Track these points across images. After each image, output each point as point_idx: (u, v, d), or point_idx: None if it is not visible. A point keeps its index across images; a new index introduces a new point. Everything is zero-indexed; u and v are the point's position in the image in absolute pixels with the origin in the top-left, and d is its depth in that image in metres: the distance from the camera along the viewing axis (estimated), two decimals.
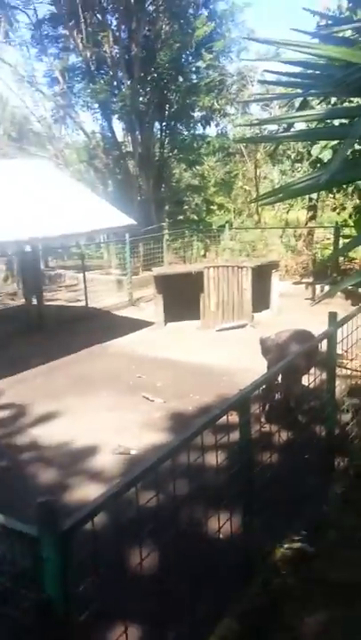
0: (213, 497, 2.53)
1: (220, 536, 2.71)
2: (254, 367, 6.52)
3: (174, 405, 5.93)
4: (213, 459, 2.61)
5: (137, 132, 14.93)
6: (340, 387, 4.13)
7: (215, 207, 18.97)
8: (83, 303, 10.75)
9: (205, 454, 2.50)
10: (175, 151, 16.18)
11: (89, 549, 1.79)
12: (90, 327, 9.58)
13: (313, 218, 14.41)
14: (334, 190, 11.07)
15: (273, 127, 12.07)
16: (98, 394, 6.38)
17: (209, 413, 2.54)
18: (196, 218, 18.14)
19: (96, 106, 15.40)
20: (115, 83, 14.64)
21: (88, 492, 4.09)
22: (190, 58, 15.12)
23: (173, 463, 2.20)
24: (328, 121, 2.76)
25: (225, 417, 2.58)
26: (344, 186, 9.08)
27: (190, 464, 2.34)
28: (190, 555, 2.40)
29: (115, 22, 14.52)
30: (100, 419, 5.65)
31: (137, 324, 9.64)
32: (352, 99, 6.72)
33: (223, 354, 7.65)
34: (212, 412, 2.55)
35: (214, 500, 2.54)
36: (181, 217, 17.93)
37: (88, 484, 4.30)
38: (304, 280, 12.12)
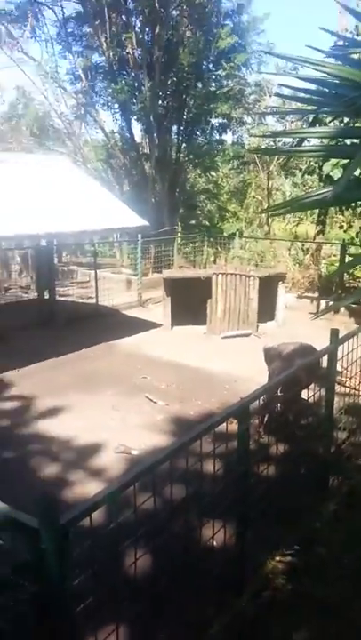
0: (208, 504, 2.55)
1: (214, 543, 2.74)
2: (256, 377, 6.49)
3: (177, 409, 5.96)
4: (211, 465, 2.64)
5: (155, 135, 15.01)
6: (337, 404, 4.14)
7: (227, 214, 19.03)
8: (93, 300, 10.81)
9: (203, 460, 2.54)
10: (191, 156, 16.25)
11: (86, 545, 1.83)
12: (99, 325, 9.63)
13: (321, 233, 14.43)
14: (343, 208, 11.09)
15: (287, 140, 12.12)
16: (103, 392, 6.43)
17: (209, 419, 2.57)
18: (207, 223, 18.22)
19: (116, 106, 15.50)
20: (135, 84, 14.73)
21: (88, 488, 4.14)
22: (211, 66, 15.20)
23: (171, 466, 2.23)
24: (340, 139, 2.80)
25: (224, 424, 2.61)
26: (353, 204, 9.11)
27: (188, 469, 2.37)
28: (183, 559, 2.43)
29: (139, 24, 14.61)
30: (104, 417, 5.69)
31: (145, 325, 9.68)
32: None
33: (227, 361, 7.67)
34: (212, 419, 2.58)
35: (209, 507, 2.57)
36: (193, 222, 18.00)
37: (89, 480, 4.34)
38: (309, 294, 12.15)
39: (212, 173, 18.08)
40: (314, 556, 3.18)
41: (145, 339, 8.90)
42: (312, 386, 4.66)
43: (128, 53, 14.52)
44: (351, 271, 11.45)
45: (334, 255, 13.73)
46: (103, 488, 1.96)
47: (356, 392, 5.47)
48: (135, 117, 15.24)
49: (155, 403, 6.11)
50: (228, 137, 16.78)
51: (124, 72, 15.09)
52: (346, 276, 11.87)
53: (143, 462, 2.16)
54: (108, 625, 2.17)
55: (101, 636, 2.11)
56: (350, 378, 5.43)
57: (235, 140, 17.05)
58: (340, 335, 3.85)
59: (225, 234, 16.24)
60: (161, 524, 2.22)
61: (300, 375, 4.44)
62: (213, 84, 15.28)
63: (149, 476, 2.11)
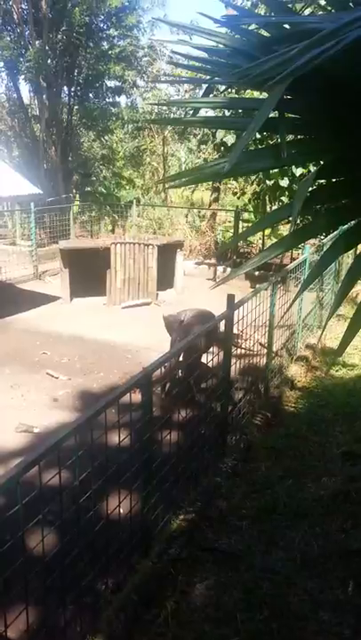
0: (115, 474, 2.60)
1: (121, 511, 2.80)
2: (158, 345, 6.64)
3: (79, 382, 5.91)
4: (117, 437, 2.67)
5: (44, 96, 14.28)
6: (234, 366, 4.35)
7: (124, 182, 18.74)
8: None
9: (109, 432, 2.56)
10: (84, 120, 15.71)
11: None
12: None
13: (216, 200, 14.79)
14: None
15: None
16: (0, 371, 6.19)
17: (113, 391, 2.59)
18: (104, 191, 17.82)
19: (1, 64, 14.48)
20: (22, 42, 13.82)
21: None
22: (102, 25, 14.63)
23: (77, 441, 2.24)
24: (233, 110, 2.85)
25: (128, 395, 2.64)
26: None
27: (93, 442, 2.38)
28: (91, 531, 2.47)
29: None
30: (3, 396, 5.49)
31: (42, 299, 9.38)
32: (254, 91, 6.94)
33: (128, 331, 7.71)
34: (115, 390, 2.60)
35: (116, 477, 2.61)
36: (90, 189, 17.52)
37: None
38: (207, 261, 12.43)
39: (107, 137, 17.63)
40: (215, 509, 3.36)
41: (43, 313, 8.64)
42: (211, 349, 4.85)
43: (12, 7, 13.52)
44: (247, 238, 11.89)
45: (229, 221, 14.14)
46: (6, 470, 1.92)
47: (251, 352, 5.77)
48: (23, 77, 14.33)
49: (56, 378, 6.00)
50: (123, 100, 16.42)
51: (9, 27, 14.07)
52: (240, 242, 12.31)
53: (47, 440, 2.13)
54: (18, 605, 2.17)
55: (11, 616, 2.10)
56: (245, 340, 5.71)
57: (129, 104, 16.71)
58: (236, 300, 4.02)
59: (122, 202, 16.03)
60: (68, 499, 2.22)
61: (200, 341, 4.58)
62: (105, 44, 14.77)
63: (54, 453, 2.09)
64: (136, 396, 2.84)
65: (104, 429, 2.49)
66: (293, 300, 2.10)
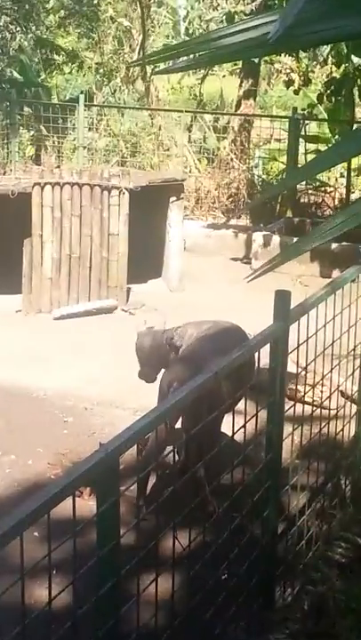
0: None
1: None
2: (130, 396, 6.55)
3: None
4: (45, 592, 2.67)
5: None
6: (290, 440, 4.36)
7: (60, 58, 18.76)
8: None
9: (28, 585, 2.56)
10: None
11: None
12: None
13: (251, 97, 14.78)
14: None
15: None
16: None
17: (34, 497, 2.59)
18: (19, 77, 17.83)
19: None
20: None
21: None
22: None
23: None
24: None
25: (70, 500, 2.65)
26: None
27: None
28: None
29: None
30: None
31: None
32: None
33: (68, 367, 7.76)
34: (40, 494, 2.60)
35: None
36: None
37: None
38: (232, 222, 12.46)
39: None
40: None
41: None
42: (241, 405, 4.83)
43: None
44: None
45: (279, 141, 14.14)
46: None
47: (324, 409, 5.75)
48: None
49: None
50: None
51: None
52: (302, 185, 12.39)
53: None
54: None
55: None
56: (313, 386, 5.70)
57: None
58: (295, 303, 4.02)
59: (57, 100, 16.18)
60: None
61: (219, 388, 4.57)
62: None
63: None
64: (85, 504, 2.85)
65: (17, 582, 2.50)
66: None
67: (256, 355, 4.08)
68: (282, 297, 3.97)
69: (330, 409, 5.74)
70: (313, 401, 6.08)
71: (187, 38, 17.13)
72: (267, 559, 4.16)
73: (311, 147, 12.89)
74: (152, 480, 5.20)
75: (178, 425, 5.18)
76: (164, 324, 5.91)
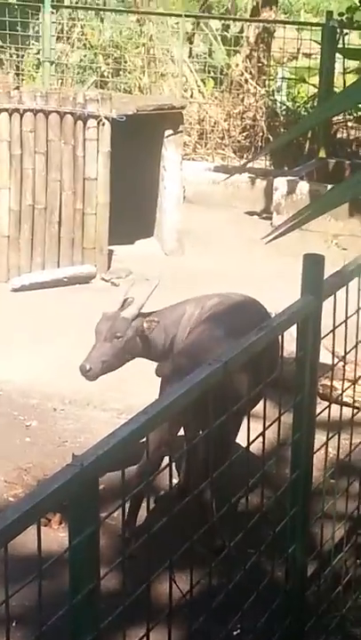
0: None
1: None
2: (110, 394, 6.64)
3: None
4: None
5: None
6: (323, 453, 4.38)
7: None
8: None
9: None
10: None
11: None
12: None
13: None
14: None
15: None
16: None
17: None
18: None
19: None
20: None
21: None
22: None
23: None
24: None
25: (34, 529, 2.64)
26: None
27: None
28: None
29: None
30: None
31: None
32: None
33: (32, 355, 7.83)
34: None
35: None
36: None
37: None
38: (245, 161, 12.42)
39: None
40: None
41: None
42: (260, 405, 4.85)
43: None
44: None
45: (307, 56, 14.13)
46: None
47: None
48: None
49: None
50: None
51: None
52: (338, 115, 12.39)
53: None
54: None
55: None
56: (355, 382, 5.71)
57: None
58: (329, 270, 4.03)
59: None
60: None
61: (236, 381, 4.59)
62: None
63: None
64: (53, 535, 2.85)
65: None
66: None
67: (280, 340, 4.08)
68: (313, 263, 3.96)
69: None
70: (353, 401, 6.12)
71: None
72: (292, 609, 4.16)
73: (352, 64, 12.90)
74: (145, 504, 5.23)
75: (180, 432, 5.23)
76: (140, 305, 5.91)
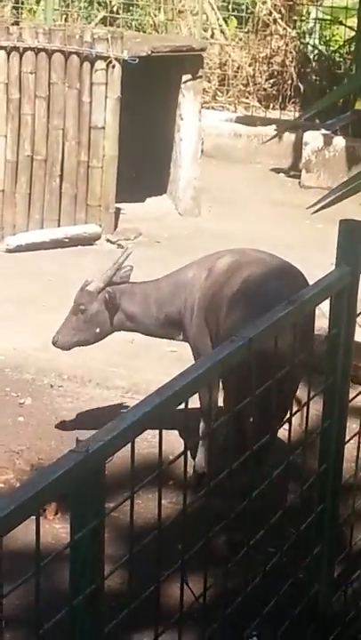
0: None
1: None
2: (113, 370, 6.67)
3: None
4: None
5: None
6: (356, 442, 4.40)
7: None
8: None
9: None
10: None
11: None
12: None
13: None
14: None
15: None
16: None
17: None
18: None
19: None
20: None
21: None
22: None
23: None
24: None
25: (33, 523, 2.64)
26: None
27: None
28: None
29: None
30: None
31: None
32: None
33: (27, 324, 7.93)
34: None
35: None
36: None
37: None
38: (275, 114, 12.43)
39: None
40: None
41: None
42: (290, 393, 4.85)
43: None
44: None
45: None
46: None
47: None
48: None
49: None
50: None
51: None
52: None
53: None
54: None
55: None
56: None
57: None
58: None
59: None
60: None
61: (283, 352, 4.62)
62: None
63: None
64: (48, 527, 2.84)
65: None
66: None
67: (312, 314, 4.07)
68: (349, 230, 3.97)
69: None
70: None
71: None
72: (317, 618, 4.18)
73: None
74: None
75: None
76: (107, 277, 6.01)
